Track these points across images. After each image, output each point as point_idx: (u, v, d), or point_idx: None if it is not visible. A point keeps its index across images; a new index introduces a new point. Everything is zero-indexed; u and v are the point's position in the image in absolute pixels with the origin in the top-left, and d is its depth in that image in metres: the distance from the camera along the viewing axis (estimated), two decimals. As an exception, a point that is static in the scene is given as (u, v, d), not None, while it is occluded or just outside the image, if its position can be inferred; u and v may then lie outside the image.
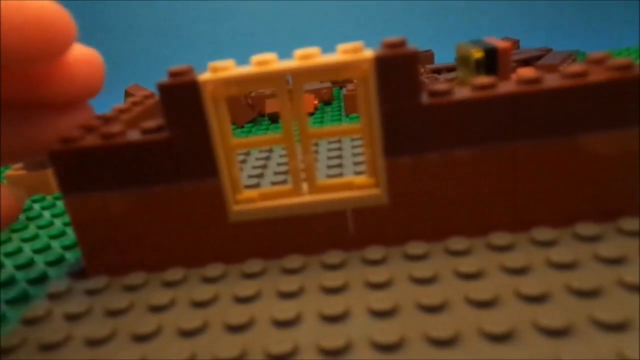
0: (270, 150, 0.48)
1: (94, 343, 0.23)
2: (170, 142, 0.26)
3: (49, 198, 0.47)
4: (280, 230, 0.28)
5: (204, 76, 0.26)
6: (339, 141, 0.48)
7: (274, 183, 0.39)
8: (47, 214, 0.43)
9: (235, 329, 0.23)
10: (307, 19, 1.19)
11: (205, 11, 1.21)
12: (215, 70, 0.26)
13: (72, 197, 0.28)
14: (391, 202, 0.27)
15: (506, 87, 0.26)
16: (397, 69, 0.25)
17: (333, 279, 0.25)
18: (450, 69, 0.71)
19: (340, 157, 0.43)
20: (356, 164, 0.41)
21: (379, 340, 0.21)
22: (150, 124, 0.27)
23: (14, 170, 0.50)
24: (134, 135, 0.27)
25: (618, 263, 0.24)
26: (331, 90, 0.71)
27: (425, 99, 0.26)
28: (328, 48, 0.27)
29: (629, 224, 0.26)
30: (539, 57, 0.68)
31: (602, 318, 0.20)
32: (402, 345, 0.21)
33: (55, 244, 0.37)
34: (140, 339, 0.23)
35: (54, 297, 0.28)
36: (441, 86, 0.26)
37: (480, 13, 1.10)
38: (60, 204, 0.45)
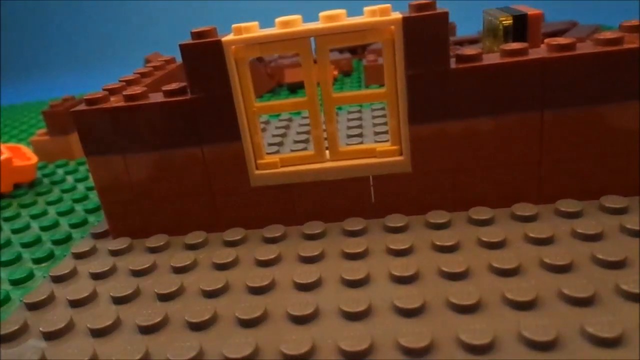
0: (290, 120, 0.48)
1: (119, 300, 0.24)
2: (193, 103, 0.26)
3: (72, 163, 0.47)
4: (301, 196, 0.28)
5: (228, 37, 0.25)
6: (359, 111, 0.48)
7: (293, 151, 0.39)
8: (70, 179, 0.43)
9: (257, 290, 0.23)
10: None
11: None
12: (238, 31, 0.25)
13: (95, 158, 0.28)
14: (414, 170, 0.27)
15: (538, 53, 0.25)
16: (426, 32, 0.24)
17: (354, 246, 0.25)
18: (472, 41, 0.69)
19: (360, 127, 0.43)
20: (377, 133, 0.41)
21: (400, 305, 0.21)
22: (173, 86, 0.27)
23: (38, 135, 0.51)
24: (156, 97, 0.27)
25: (645, 235, 0.23)
26: (351, 61, 0.70)
27: (453, 63, 0.25)
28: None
29: (658, 197, 0.26)
30: (564, 31, 0.66)
31: (627, 289, 0.20)
32: (424, 310, 0.21)
33: (79, 207, 0.37)
34: (164, 298, 0.24)
35: (78, 256, 0.28)
36: (470, 51, 0.25)
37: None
38: (82, 169, 0.45)
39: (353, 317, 0.21)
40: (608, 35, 0.25)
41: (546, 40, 0.26)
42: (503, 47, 0.25)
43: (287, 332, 0.21)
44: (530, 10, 0.33)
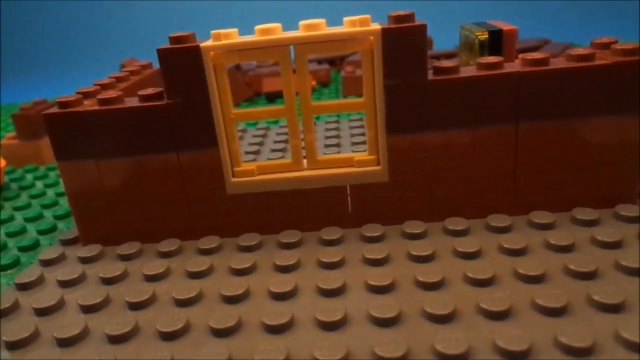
0: (267, 129, 0.48)
1: (88, 309, 0.23)
2: (169, 109, 0.26)
3: (42, 168, 0.46)
4: (278, 204, 0.28)
5: (206, 43, 0.25)
6: (337, 121, 0.48)
7: (270, 160, 0.39)
8: (40, 184, 0.42)
9: (231, 299, 0.23)
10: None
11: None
12: (217, 37, 0.25)
13: (66, 163, 0.27)
14: (391, 180, 0.27)
15: (513, 67, 0.26)
16: (404, 43, 0.24)
17: (330, 255, 0.25)
18: (449, 56, 0.70)
19: (338, 137, 0.43)
20: (354, 144, 0.41)
21: (376, 314, 0.21)
22: (149, 90, 0.27)
23: (7, 139, 0.49)
24: (131, 101, 0.27)
25: (615, 247, 0.24)
26: (329, 72, 0.70)
27: (431, 75, 0.25)
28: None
29: (627, 210, 0.26)
30: (537, 48, 0.68)
31: (599, 299, 0.20)
32: (400, 320, 0.21)
33: (48, 214, 0.36)
34: (135, 306, 0.23)
35: (46, 263, 0.27)
36: (447, 63, 0.26)
37: (479, 3, 1.10)
38: (53, 175, 0.44)
39: (329, 326, 0.21)
40: (580, 51, 0.26)
41: (521, 55, 0.27)
42: (479, 60, 0.26)
43: (261, 341, 0.20)
44: (506, 26, 0.33)
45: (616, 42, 0.27)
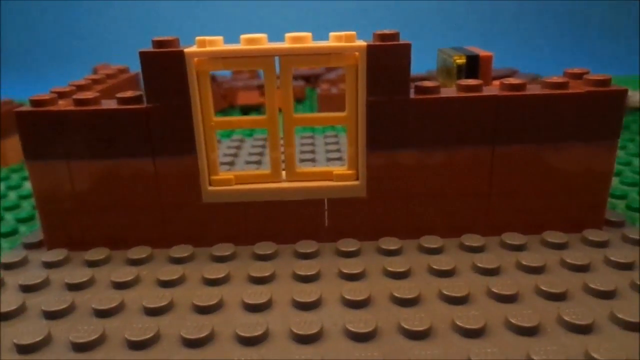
0: (242, 140, 0.47)
1: (51, 315, 0.22)
2: (148, 113, 0.25)
3: (5, 170, 0.44)
4: (254, 215, 0.28)
5: (191, 49, 0.25)
6: (312, 137, 0.48)
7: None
8: (1, 186, 0.40)
9: (204, 310, 0.22)
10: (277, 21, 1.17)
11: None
12: (202, 44, 0.25)
13: (36, 164, 0.26)
14: (369, 196, 0.27)
15: (491, 90, 0.26)
16: (389, 61, 0.25)
17: (306, 268, 0.25)
18: (423, 79, 0.72)
19: (313, 152, 0.43)
20: (329, 160, 0.41)
21: (352, 329, 0.20)
22: (128, 93, 0.26)
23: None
24: (109, 103, 0.26)
25: (584, 270, 0.24)
26: (304, 89, 0.71)
27: (412, 94, 0.26)
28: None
29: (594, 235, 0.27)
30: (505, 77, 0.70)
31: (569, 320, 0.20)
32: (376, 335, 0.20)
33: (9, 216, 0.35)
34: (102, 314, 0.22)
35: (7, 267, 0.26)
36: (428, 83, 0.26)
37: (452, 29, 1.13)
38: (16, 177, 0.42)
39: (304, 339, 0.20)
40: (555, 79, 0.26)
41: (499, 80, 0.28)
42: (459, 82, 0.27)
43: (235, 353, 0.20)
44: (482, 52, 0.34)
45: (588, 72, 0.28)
